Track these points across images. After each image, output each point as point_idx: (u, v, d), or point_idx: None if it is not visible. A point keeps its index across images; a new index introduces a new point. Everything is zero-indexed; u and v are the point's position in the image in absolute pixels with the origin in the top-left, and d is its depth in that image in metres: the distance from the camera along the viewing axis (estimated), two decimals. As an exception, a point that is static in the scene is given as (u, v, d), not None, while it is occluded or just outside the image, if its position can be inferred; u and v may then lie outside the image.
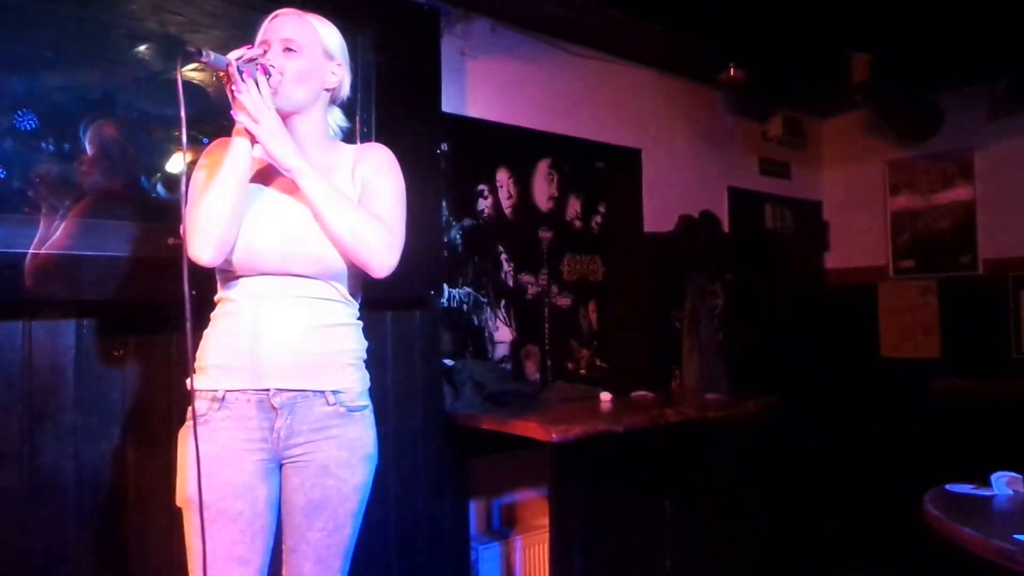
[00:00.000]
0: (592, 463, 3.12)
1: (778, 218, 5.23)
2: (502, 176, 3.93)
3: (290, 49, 1.85)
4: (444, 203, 3.50)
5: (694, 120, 4.62)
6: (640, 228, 4.32)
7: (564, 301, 4.17)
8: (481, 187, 3.84)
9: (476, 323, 3.77)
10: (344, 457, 1.89)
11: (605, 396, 3.58)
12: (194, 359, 1.83)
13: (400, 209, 1.95)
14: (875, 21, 4.06)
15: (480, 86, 3.59)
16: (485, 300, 3.81)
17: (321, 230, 1.83)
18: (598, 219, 4.37)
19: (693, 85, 4.57)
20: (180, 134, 1.66)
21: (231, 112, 1.76)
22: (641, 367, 4.27)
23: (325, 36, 1.94)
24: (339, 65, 1.97)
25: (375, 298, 2.99)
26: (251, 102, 1.74)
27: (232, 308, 1.84)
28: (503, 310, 3.88)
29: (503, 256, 3.91)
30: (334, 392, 1.89)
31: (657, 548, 3.04)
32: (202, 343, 1.87)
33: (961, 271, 4.89)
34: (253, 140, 1.77)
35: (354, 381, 1.94)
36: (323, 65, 1.92)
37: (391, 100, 3.14)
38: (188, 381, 1.80)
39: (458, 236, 3.71)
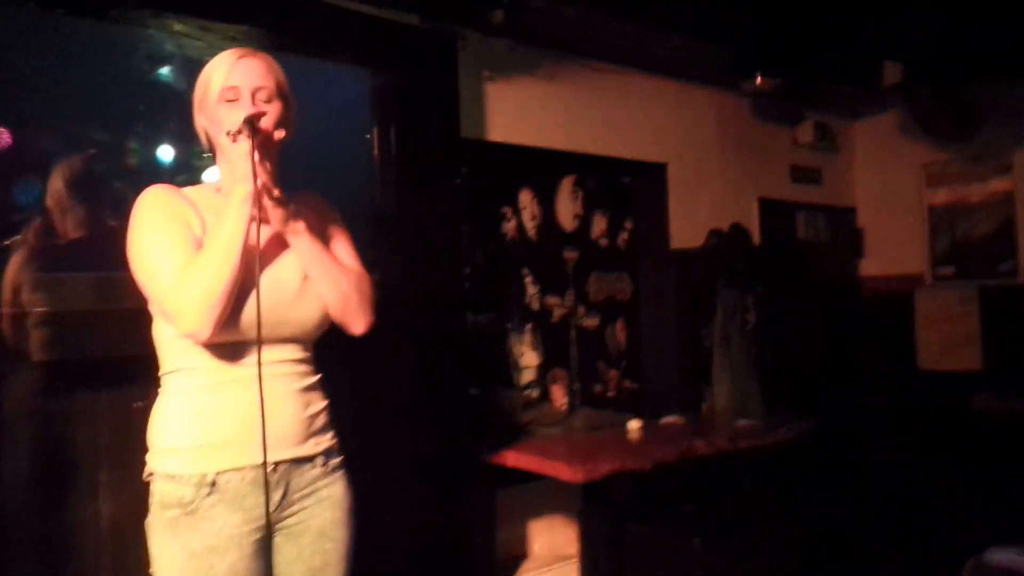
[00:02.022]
0: (620, 498, 3.03)
1: (811, 227, 5.09)
2: (525, 197, 3.84)
3: (266, 100, 1.75)
4: (465, 228, 3.42)
5: (721, 129, 4.49)
6: (668, 244, 4.22)
7: (591, 322, 4.07)
8: (503, 209, 3.76)
9: (501, 349, 3.69)
10: (338, 517, 1.85)
11: (633, 424, 3.48)
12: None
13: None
14: (906, 22, 3.93)
15: (501, 107, 3.49)
16: (510, 325, 3.73)
17: (311, 293, 1.77)
18: (625, 236, 4.26)
19: (719, 93, 4.44)
20: (253, 206, 1.63)
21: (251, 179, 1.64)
22: (671, 387, 4.17)
23: (283, 76, 1.82)
24: (294, 106, 1.86)
25: (396, 330, 2.96)
26: (263, 166, 1.65)
27: (205, 380, 1.70)
28: (528, 334, 3.80)
29: (528, 279, 3.82)
30: (325, 454, 1.84)
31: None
32: (164, 422, 1.73)
33: (1001, 279, 4.72)
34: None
35: (333, 438, 1.89)
36: (290, 109, 1.83)
37: (409, 128, 3.08)
38: (147, 470, 1.71)
39: (481, 260, 3.62)
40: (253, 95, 1.73)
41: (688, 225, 4.28)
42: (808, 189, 5.02)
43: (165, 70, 2.80)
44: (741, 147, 4.58)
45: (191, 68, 2.58)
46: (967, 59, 4.23)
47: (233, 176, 1.68)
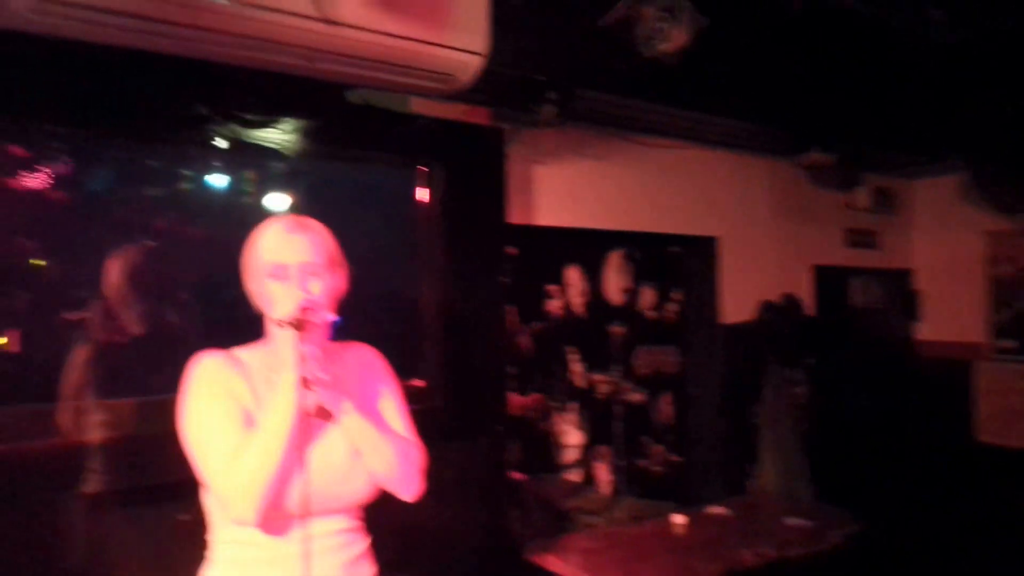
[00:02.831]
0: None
1: (866, 292, 4.94)
2: (572, 274, 3.78)
3: (313, 275, 1.72)
4: (511, 310, 3.36)
5: (774, 198, 4.37)
6: (716, 317, 4.11)
7: (637, 397, 3.99)
8: (550, 288, 3.69)
9: (544, 430, 3.63)
10: None
11: (678, 520, 3.39)
12: None
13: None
14: (967, 99, 3.80)
15: (549, 190, 3.44)
16: (554, 404, 3.67)
17: (360, 468, 1.74)
18: (673, 307, 4.17)
19: (773, 162, 4.32)
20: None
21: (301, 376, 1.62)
22: (716, 464, 4.07)
23: (331, 245, 1.80)
24: (344, 268, 1.84)
25: (441, 423, 2.92)
26: (312, 352, 1.63)
27: (254, 555, 1.69)
28: (572, 413, 3.73)
29: (573, 357, 3.75)
30: None
31: None
32: None
33: (1068, 355, 4.53)
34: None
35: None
36: (338, 276, 1.80)
37: (456, 219, 3.04)
38: None
39: (525, 342, 3.56)
40: (301, 273, 1.70)
41: (739, 297, 4.18)
42: (863, 253, 4.88)
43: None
44: (794, 214, 4.46)
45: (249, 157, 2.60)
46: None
47: (280, 357, 1.65)
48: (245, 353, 1.79)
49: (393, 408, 1.89)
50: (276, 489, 1.61)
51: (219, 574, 1.75)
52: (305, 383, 1.61)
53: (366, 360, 1.92)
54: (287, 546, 1.68)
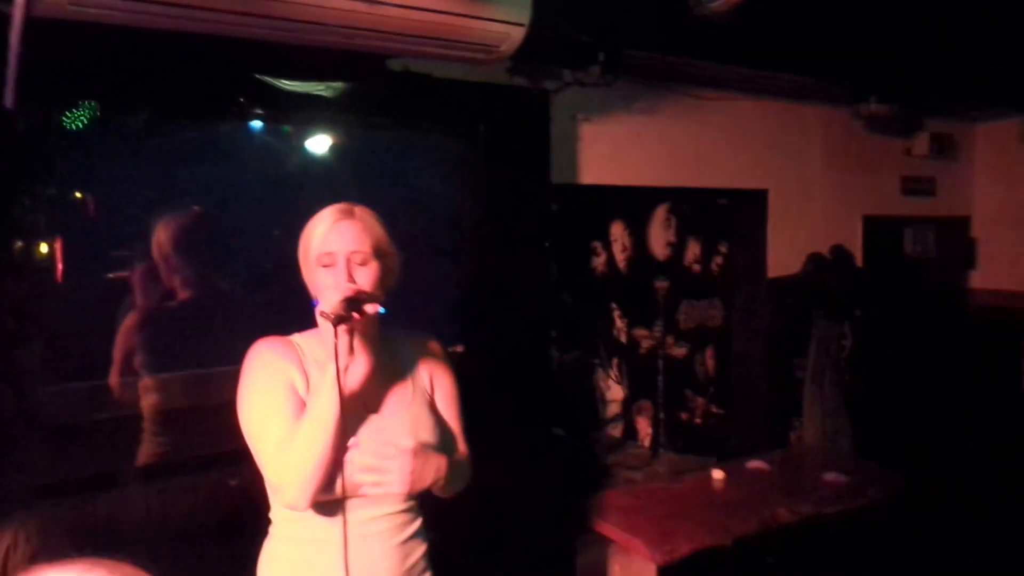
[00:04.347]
0: (699, 564, 3.02)
1: (919, 241, 4.82)
2: (616, 229, 3.75)
3: (361, 264, 1.75)
4: (554, 267, 3.38)
5: (828, 148, 4.25)
6: (764, 270, 4.07)
7: (679, 351, 4.00)
8: (594, 244, 3.68)
9: (587, 385, 3.67)
10: None
11: (717, 475, 3.44)
12: None
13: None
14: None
15: (593, 148, 3.39)
16: (597, 361, 3.70)
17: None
18: (719, 260, 4.14)
19: (828, 111, 4.19)
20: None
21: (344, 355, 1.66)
22: (759, 418, 4.09)
23: (382, 233, 1.82)
24: (395, 255, 1.86)
25: (483, 387, 2.98)
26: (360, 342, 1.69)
27: (309, 535, 1.76)
28: (615, 368, 3.76)
29: (616, 312, 3.77)
30: None
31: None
32: (274, 565, 1.83)
33: None
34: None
35: None
36: (388, 265, 1.82)
37: (501, 179, 3.03)
38: None
39: (569, 299, 3.58)
40: (348, 260, 1.73)
41: (787, 250, 4.13)
42: (919, 202, 4.75)
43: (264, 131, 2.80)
44: (848, 164, 4.34)
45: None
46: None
47: (328, 347, 1.67)
48: (303, 339, 1.83)
49: (447, 397, 1.95)
50: (326, 476, 1.66)
51: (278, 549, 1.83)
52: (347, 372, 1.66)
53: (427, 348, 1.97)
54: (340, 528, 1.74)
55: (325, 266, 1.74)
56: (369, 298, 1.71)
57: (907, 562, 3.72)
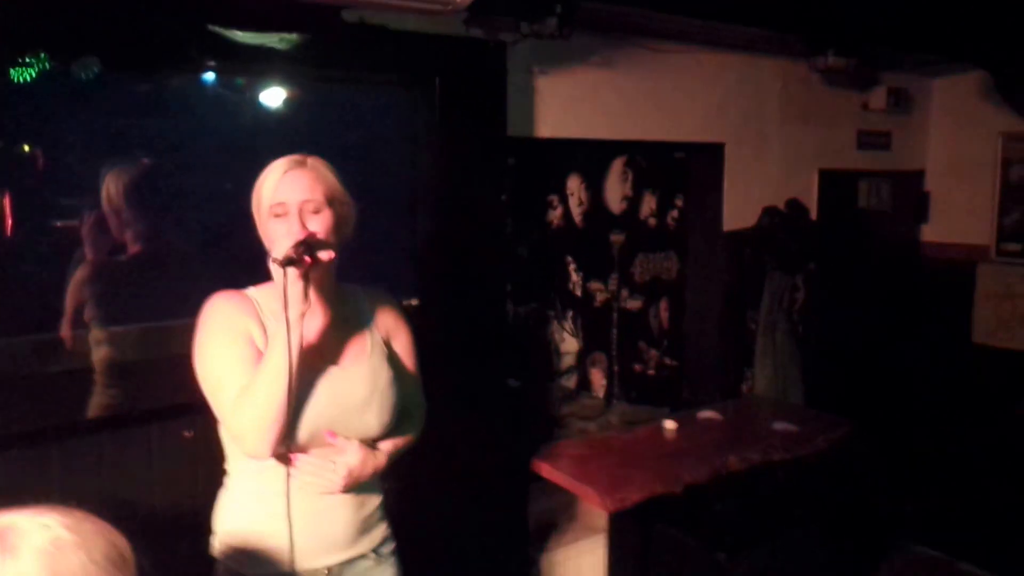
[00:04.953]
0: (649, 511, 3.10)
1: (873, 195, 4.90)
2: (573, 183, 3.77)
3: (315, 212, 1.75)
4: (510, 220, 3.39)
5: (786, 102, 4.27)
6: (719, 224, 4.11)
7: (634, 304, 4.06)
8: (550, 198, 3.70)
9: (541, 338, 3.72)
10: None
11: (669, 425, 3.52)
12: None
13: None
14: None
15: (550, 101, 3.37)
16: (551, 313, 3.74)
17: (375, 407, 1.84)
18: (675, 213, 4.17)
19: (785, 64, 4.20)
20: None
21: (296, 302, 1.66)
22: (712, 369, 4.18)
23: (335, 182, 1.83)
24: (350, 204, 1.87)
25: (437, 340, 3.01)
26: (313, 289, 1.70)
27: (267, 485, 1.79)
28: (570, 321, 3.81)
29: (571, 266, 3.80)
30: (377, 547, 1.95)
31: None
32: (227, 516, 1.87)
33: (1072, 261, 4.53)
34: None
35: (386, 528, 2.00)
36: (342, 214, 1.83)
37: (457, 132, 3.01)
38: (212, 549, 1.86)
39: (525, 253, 3.60)
40: (301, 210, 1.73)
41: (743, 203, 4.16)
42: (875, 155, 4.80)
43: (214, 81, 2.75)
44: (805, 118, 4.37)
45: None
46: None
47: (283, 296, 1.67)
48: (259, 292, 1.85)
49: (404, 349, 2.00)
50: (286, 422, 1.68)
51: (233, 500, 1.87)
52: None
53: (381, 301, 2.00)
54: (300, 477, 1.78)
55: (278, 216, 1.74)
56: (322, 244, 1.71)
57: (855, 508, 3.87)
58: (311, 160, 1.81)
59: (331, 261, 1.73)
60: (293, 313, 1.65)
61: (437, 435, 3.00)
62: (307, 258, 1.64)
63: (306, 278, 1.65)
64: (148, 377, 2.60)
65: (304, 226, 1.72)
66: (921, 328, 5.02)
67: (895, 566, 4.27)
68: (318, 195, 1.76)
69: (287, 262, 1.62)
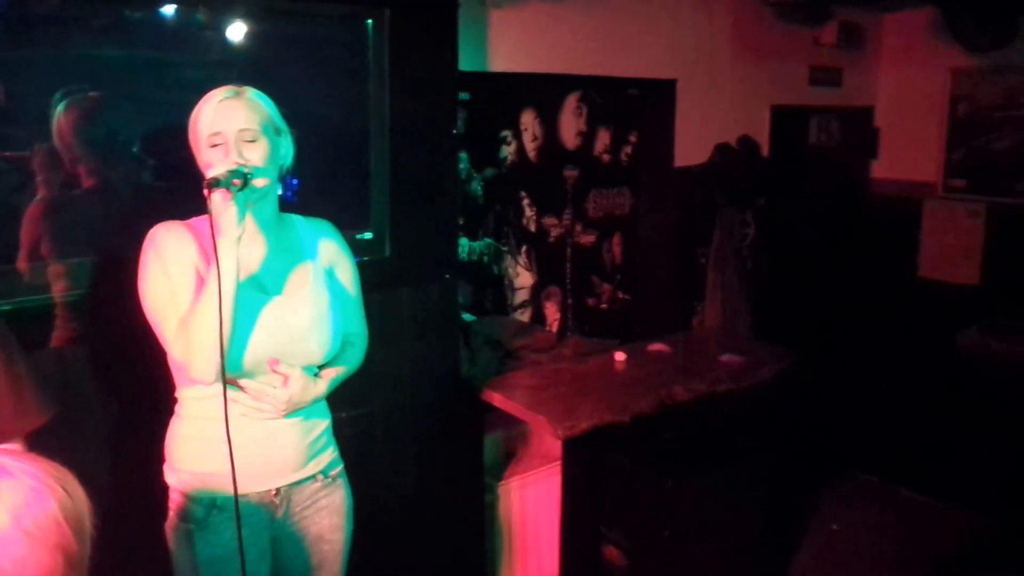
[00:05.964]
0: (601, 440, 3.20)
1: (823, 132, 4.96)
2: (527, 118, 3.77)
3: (251, 140, 1.77)
4: (464, 156, 3.40)
5: (738, 37, 4.29)
6: (672, 160, 4.16)
7: (588, 238, 4.11)
8: (504, 133, 3.70)
9: (496, 272, 3.76)
10: (335, 522, 2.06)
11: (619, 356, 3.60)
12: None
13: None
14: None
15: (503, 36, 3.36)
16: (506, 248, 3.78)
17: (318, 333, 1.88)
18: (628, 149, 4.21)
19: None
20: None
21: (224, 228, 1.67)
22: (663, 303, 4.26)
23: (272, 112, 1.85)
24: (287, 134, 1.90)
25: (391, 273, 3.04)
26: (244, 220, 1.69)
27: (216, 411, 1.78)
28: (524, 256, 3.85)
29: (525, 202, 3.83)
30: (325, 469, 2.01)
31: (660, 520, 3.18)
32: (179, 443, 1.90)
33: (1015, 197, 4.65)
34: None
35: (334, 450, 2.06)
36: (279, 144, 1.85)
37: (407, 66, 2.99)
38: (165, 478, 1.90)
39: (479, 188, 3.62)
40: (236, 138, 1.75)
41: (695, 140, 4.21)
42: (826, 92, 4.86)
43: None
44: (759, 54, 4.40)
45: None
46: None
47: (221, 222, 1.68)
48: (201, 222, 1.84)
49: (347, 279, 2.04)
50: (226, 348, 1.69)
51: (184, 426, 1.90)
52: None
53: (325, 234, 2.03)
54: (245, 401, 1.83)
55: (215, 146, 1.76)
56: (257, 171, 1.73)
57: (800, 436, 4.01)
58: (247, 90, 1.83)
59: (269, 188, 1.77)
60: (225, 237, 1.66)
61: (389, 366, 3.09)
62: (236, 180, 1.66)
63: (241, 204, 1.66)
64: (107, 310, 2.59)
65: (240, 155, 1.74)
66: (868, 263, 5.15)
67: (838, 492, 4.47)
68: (254, 124, 1.77)
69: (213, 183, 1.63)
